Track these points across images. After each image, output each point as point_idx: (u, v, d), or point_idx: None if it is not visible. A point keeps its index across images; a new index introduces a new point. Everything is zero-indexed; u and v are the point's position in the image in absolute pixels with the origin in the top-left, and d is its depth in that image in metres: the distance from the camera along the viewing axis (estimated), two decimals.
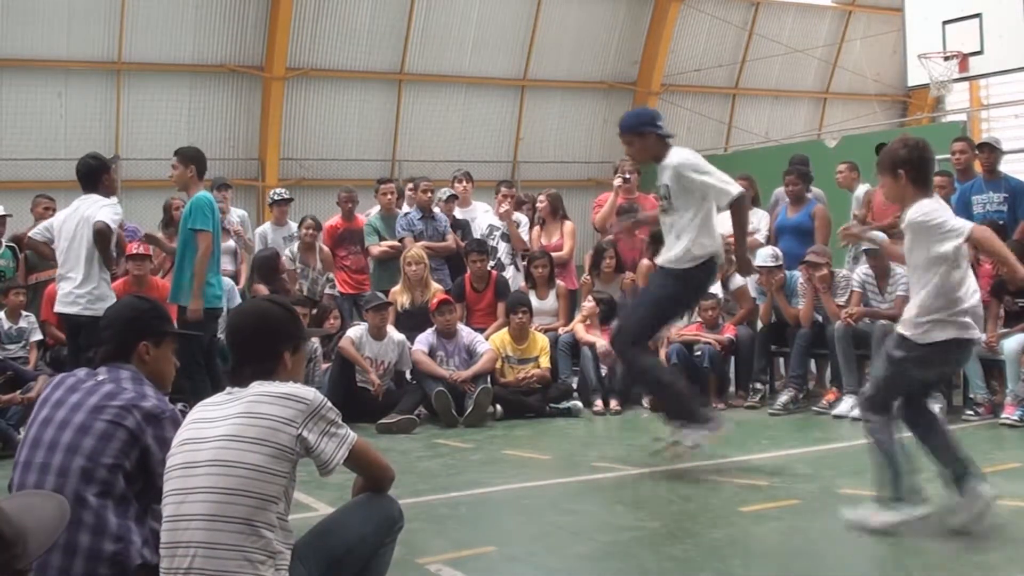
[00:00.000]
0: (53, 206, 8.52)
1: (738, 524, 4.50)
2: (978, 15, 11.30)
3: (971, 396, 7.14)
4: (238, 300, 8.33)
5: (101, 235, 6.44)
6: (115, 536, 2.90)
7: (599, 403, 7.90)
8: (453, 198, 9.74)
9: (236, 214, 10.04)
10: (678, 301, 5.74)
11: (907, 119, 20.38)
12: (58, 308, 6.71)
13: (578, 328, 8.27)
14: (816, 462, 5.99)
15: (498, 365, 7.92)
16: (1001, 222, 7.62)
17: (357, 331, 7.76)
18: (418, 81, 17.07)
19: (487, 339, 8.04)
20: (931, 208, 4.18)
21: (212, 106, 15.70)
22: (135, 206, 13.46)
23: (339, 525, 2.94)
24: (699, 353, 7.99)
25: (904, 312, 4.35)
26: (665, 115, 6.08)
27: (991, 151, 7.93)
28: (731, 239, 5.85)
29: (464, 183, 9.94)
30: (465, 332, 7.96)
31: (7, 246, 8.39)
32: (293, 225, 9.82)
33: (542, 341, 8.08)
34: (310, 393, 2.79)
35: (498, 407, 7.70)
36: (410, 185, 9.83)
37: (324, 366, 7.95)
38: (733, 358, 8.26)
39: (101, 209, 6.51)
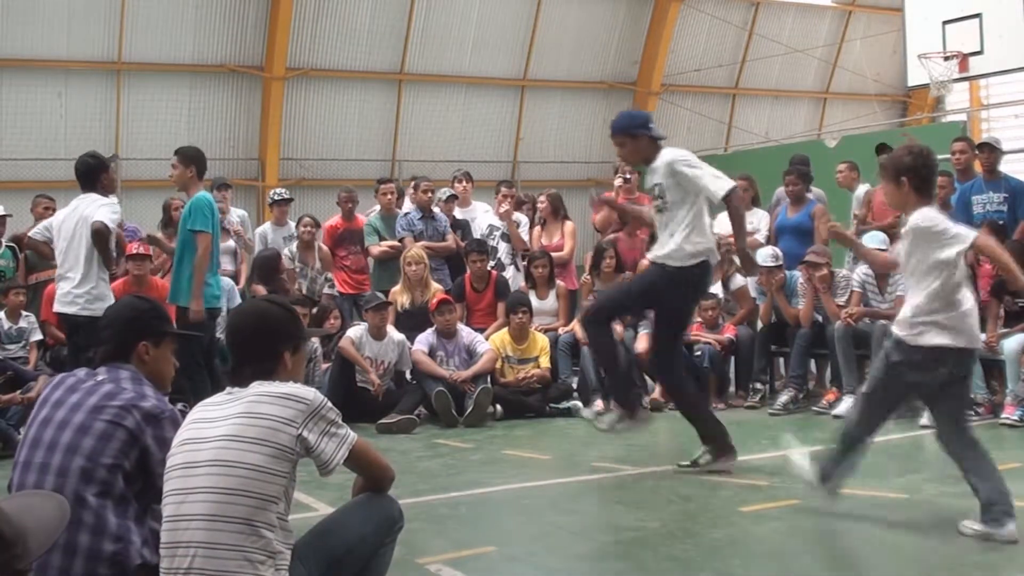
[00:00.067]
0: (53, 206, 8.52)
1: (738, 524, 4.50)
2: (978, 15, 11.30)
3: (971, 396, 7.13)
4: (238, 300, 8.33)
5: (99, 235, 6.42)
6: (115, 536, 2.90)
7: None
8: (453, 198, 9.74)
9: (236, 214, 10.04)
10: (662, 294, 5.67)
11: (907, 119, 20.38)
12: (57, 308, 6.70)
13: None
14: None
15: (498, 365, 7.92)
16: (1001, 222, 7.63)
17: (357, 331, 7.76)
18: (418, 81, 17.07)
19: (487, 339, 8.04)
20: (935, 215, 4.21)
21: (212, 106, 15.70)
22: (135, 206, 13.47)
23: (339, 525, 2.94)
24: (699, 353, 8.00)
25: (900, 313, 4.36)
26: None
27: (991, 151, 7.93)
28: (731, 239, 5.85)
29: (464, 183, 9.94)
30: (465, 332, 7.96)
31: (7, 246, 8.39)
32: (293, 225, 9.82)
33: (542, 341, 8.08)
34: (310, 393, 2.79)
35: (498, 407, 7.70)
36: (413, 184, 9.81)
37: (324, 366, 7.95)
38: (733, 358, 8.27)
39: (99, 209, 6.49)
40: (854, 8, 20.32)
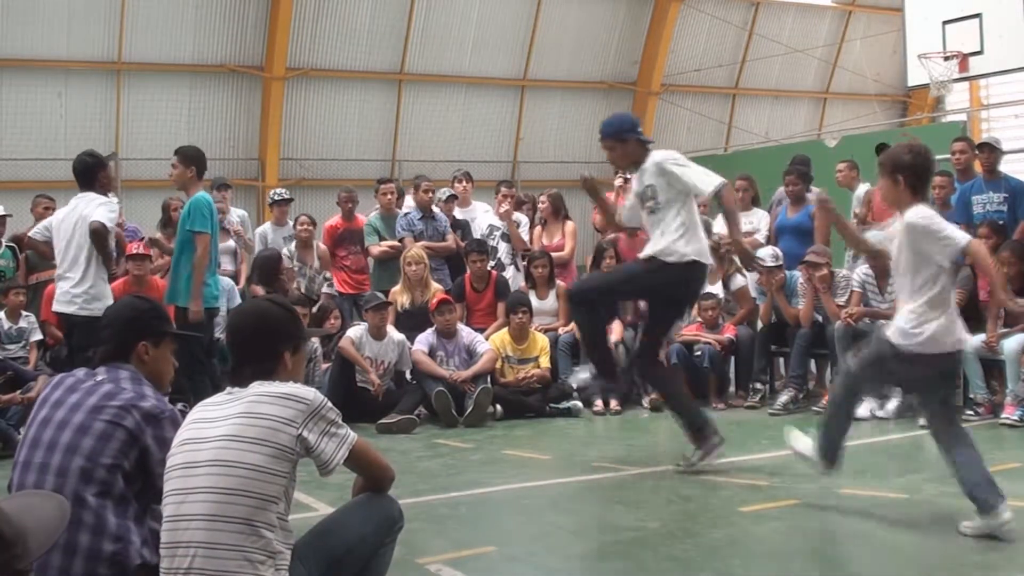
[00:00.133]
0: (53, 206, 8.51)
1: (738, 524, 4.50)
2: (978, 15, 11.29)
3: (971, 396, 7.13)
4: (238, 300, 8.33)
5: (97, 235, 6.40)
6: (114, 536, 2.90)
7: (599, 403, 7.90)
8: (453, 198, 9.74)
9: (236, 214, 10.03)
10: (650, 285, 5.72)
11: (907, 119, 20.37)
12: (55, 307, 6.69)
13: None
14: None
15: (498, 365, 7.92)
16: (1001, 222, 7.63)
17: (357, 331, 7.76)
18: (418, 81, 17.07)
19: (487, 339, 8.04)
20: (932, 213, 4.25)
21: (212, 106, 15.69)
22: (135, 206, 13.47)
23: (339, 525, 2.94)
24: (699, 353, 8.00)
25: (896, 318, 4.35)
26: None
27: (991, 151, 7.92)
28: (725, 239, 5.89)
29: (464, 183, 9.94)
30: (465, 332, 7.96)
31: (7, 246, 8.39)
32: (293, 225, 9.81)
33: (542, 341, 8.08)
34: (310, 393, 2.79)
35: (498, 407, 7.70)
36: (414, 184, 9.78)
37: (324, 366, 7.95)
38: (733, 358, 8.26)
39: (97, 208, 6.47)
40: (854, 8, 20.31)
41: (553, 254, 8.82)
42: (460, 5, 16.82)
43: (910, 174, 4.26)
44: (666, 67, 18.88)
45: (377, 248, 9.30)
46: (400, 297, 8.43)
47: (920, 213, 4.21)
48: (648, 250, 5.64)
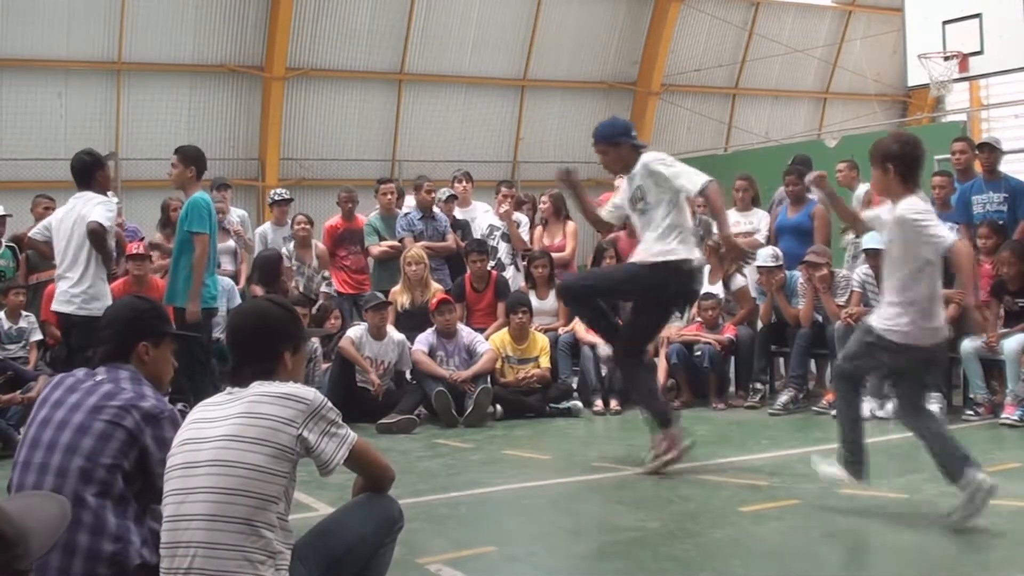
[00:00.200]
0: (53, 206, 8.50)
1: (738, 524, 4.50)
2: (978, 15, 11.29)
3: (971, 396, 7.14)
4: (238, 300, 8.33)
5: (95, 235, 6.38)
6: (114, 536, 2.90)
7: (599, 403, 7.90)
8: (453, 198, 9.74)
9: (236, 214, 10.03)
10: (632, 283, 5.76)
11: (907, 119, 20.38)
12: (54, 307, 6.67)
13: (578, 328, 8.25)
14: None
15: (498, 365, 7.92)
16: (1001, 222, 7.63)
17: (357, 331, 7.76)
18: (418, 81, 17.07)
19: (487, 339, 8.04)
20: (923, 209, 4.28)
21: (212, 106, 15.70)
22: (135, 206, 13.47)
23: (339, 525, 2.94)
24: (699, 353, 8.00)
25: (883, 308, 4.41)
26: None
27: (991, 151, 7.92)
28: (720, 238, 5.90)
29: (464, 183, 9.94)
30: (465, 332, 7.96)
31: (7, 246, 8.39)
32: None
33: (542, 341, 8.08)
34: (310, 393, 2.79)
35: (498, 407, 7.70)
36: (415, 184, 9.76)
37: (324, 366, 7.95)
38: (733, 358, 8.26)
39: (95, 208, 6.43)
40: (854, 8, 20.31)
41: (554, 254, 8.82)
42: (460, 5, 16.82)
43: (899, 163, 4.31)
44: (666, 67, 18.89)
45: (377, 248, 9.31)
46: (400, 297, 8.43)
47: (911, 207, 4.24)
48: (636, 252, 5.69)
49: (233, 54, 15.60)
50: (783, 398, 7.71)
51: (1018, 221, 7.68)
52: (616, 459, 6.04)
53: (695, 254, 5.62)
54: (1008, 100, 17.49)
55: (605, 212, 6.02)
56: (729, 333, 8.14)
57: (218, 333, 7.70)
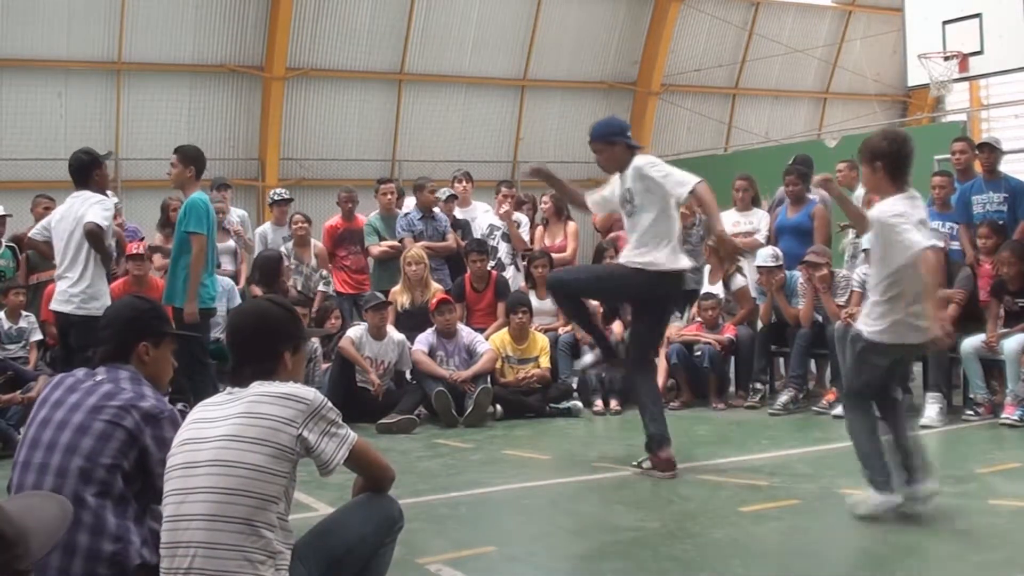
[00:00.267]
0: (53, 206, 8.47)
1: (738, 524, 4.50)
2: (978, 15, 11.28)
3: (971, 396, 7.14)
4: (238, 300, 8.33)
5: (93, 236, 6.36)
6: (114, 536, 2.90)
7: (599, 403, 7.91)
8: (453, 198, 9.74)
9: (236, 214, 10.03)
10: (618, 285, 5.84)
11: (907, 119, 20.37)
12: (52, 306, 6.66)
13: (578, 328, 8.26)
14: (816, 462, 5.99)
15: (498, 365, 7.92)
16: (1001, 222, 7.63)
17: (357, 331, 7.76)
18: (418, 81, 17.06)
19: (487, 339, 8.04)
20: (900, 211, 4.27)
21: (212, 106, 15.69)
22: (135, 206, 13.46)
23: (339, 525, 2.94)
24: (699, 353, 8.00)
25: (868, 308, 4.44)
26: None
27: (991, 151, 7.92)
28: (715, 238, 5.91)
29: (464, 183, 9.95)
30: (465, 332, 7.96)
31: (7, 246, 8.39)
32: None
33: (542, 341, 8.08)
34: (310, 393, 2.79)
35: (498, 407, 7.70)
36: (416, 185, 9.74)
37: (324, 366, 7.95)
38: (733, 358, 8.27)
39: (91, 208, 6.41)
40: (854, 8, 20.30)
41: (555, 255, 8.82)
42: (460, 5, 16.82)
43: (887, 161, 4.33)
44: (666, 67, 18.88)
45: (377, 248, 9.31)
46: (400, 297, 8.43)
47: (889, 209, 4.27)
48: (622, 253, 5.76)
49: (233, 54, 15.60)
50: (783, 398, 7.71)
51: (1018, 221, 7.68)
52: (616, 459, 6.04)
53: (680, 263, 5.62)
54: (1008, 100, 17.48)
55: (591, 201, 6.06)
56: (729, 333, 8.14)
57: (218, 333, 7.71)
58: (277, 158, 16.11)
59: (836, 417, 7.24)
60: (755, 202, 8.99)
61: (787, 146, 14.70)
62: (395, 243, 9.14)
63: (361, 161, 16.58)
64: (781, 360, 8.68)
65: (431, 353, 7.74)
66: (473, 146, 17.32)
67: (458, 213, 9.71)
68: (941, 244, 7.40)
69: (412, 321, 8.13)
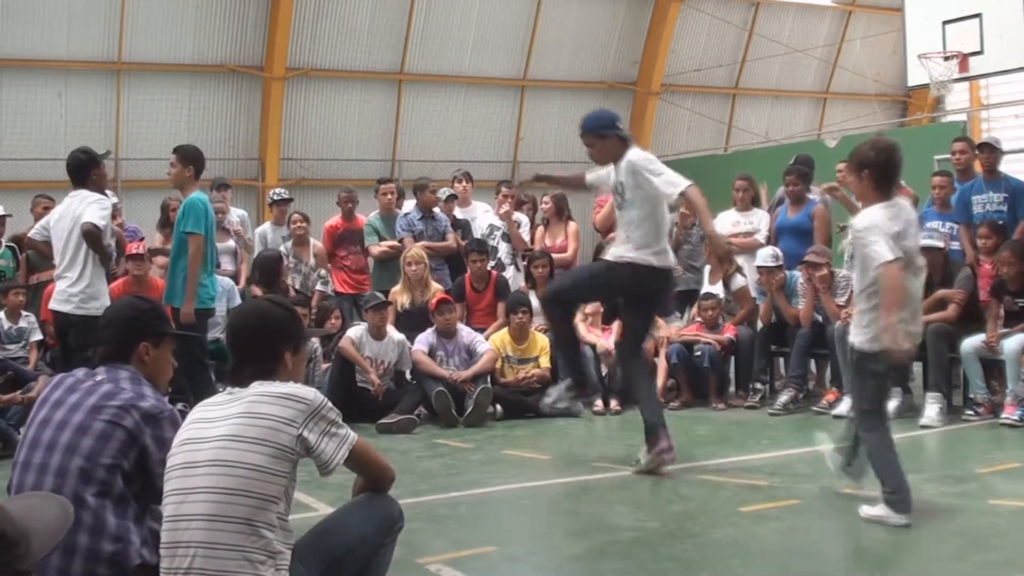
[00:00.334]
0: (53, 206, 8.47)
1: (738, 524, 4.50)
2: (978, 15, 11.28)
3: (971, 396, 7.13)
4: (238, 300, 8.33)
5: (91, 236, 6.36)
6: (114, 536, 2.90)
7: (599, 403, 7.90)
8: (453, 198, 9.74)
9: (236, 214, 10.03)
10: (610, 280, 5.83)
11: (907, 119, 20.38)
12: (51, 306, 6.65)
13: (579, 328, 8.25)
14: (816, 462, 5.95)
15: (498, 365, 7.92)
16: (1001, 222, 7.63)
17: (357, 331, 7.76)
18: (418, 81, 17.07)
19: (487, 339, 8.04)
20: (874, 223, 4.26)
21: (212, 106, 15.69)
22: (135, 206, 13.47)
23: (339, 525, 2.94)
24: (699, 353, 8.00)
25: (856, 317, 4.45)
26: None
27: (991, 151, 7.92)
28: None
29: (464, 183, 9.95)
30: (465, 332, 7.96)
31: (7, 246, 8.39)
32: None
33: (542, 341, 8.08)
34: (310, 393, 2.79)
35: (498, 407, 7.70)
36: (416, 186, 9.74)
37: (324, 366, 7.95)
38: (733, 358, 8.26)
39: (88, 208, 6.40)
40: (854, 8, 20.31)
41: (557, 255, 8.82)
42: (460, 5, 16.82)
43: (873, 170, 4.34)
44: (666, 67, 18.88)
45: (377, 248, 9.31)
46: (400, 297, 8.43)
47: (864, 218, 4.29)
48: (610, 249, 5.80)
49: (233, 54, 15.60)
50: (783, 398, 7.71)
51: (1018, 221, 7.68)
52: (616, 459, 6.04)
53: (667, 261, 5.64)
54: (1008, 100, 17.49)
55: (590, 178, 6.11)
56: (729, 333, 8.14)
57: (218, 333, 7.71)
58: (277, 158, 16.11)
59: (836, 417, 7.25)
60: (755, 202, 8.99)
61: (787, 146, 14.69)
62: (395, 243, 9.14)
63: (361, 161, 16.58)
64: (781, 360, 8.68)
65: (431, 353, 7.74)
66: (473, 146, 17.33)
67: (458, 213, 9.71)
68: (941, 244, 7.41)
69: (412, 321, 8.13)
